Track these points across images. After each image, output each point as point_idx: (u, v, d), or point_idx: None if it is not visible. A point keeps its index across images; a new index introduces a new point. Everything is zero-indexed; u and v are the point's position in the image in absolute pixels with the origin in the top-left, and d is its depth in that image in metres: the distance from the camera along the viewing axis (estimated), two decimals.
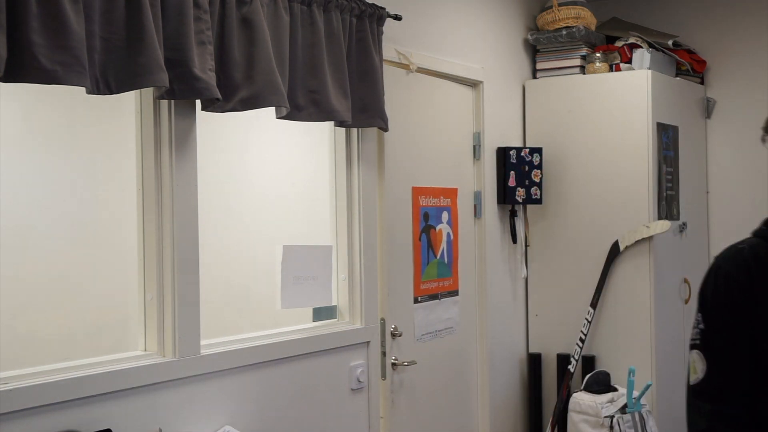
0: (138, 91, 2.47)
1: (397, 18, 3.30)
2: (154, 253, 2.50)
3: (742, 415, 1.65)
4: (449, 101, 3.91)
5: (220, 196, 3.53)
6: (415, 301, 3.63)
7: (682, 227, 4.49)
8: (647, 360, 4.15)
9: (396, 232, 3.51)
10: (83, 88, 2.10)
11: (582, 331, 4.20)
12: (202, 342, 2.60)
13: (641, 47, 4.32)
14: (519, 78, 4.44)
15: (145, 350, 2.52)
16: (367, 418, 3.28)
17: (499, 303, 4.22)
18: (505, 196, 4.21)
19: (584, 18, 4.40)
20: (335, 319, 3.25)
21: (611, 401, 3.97)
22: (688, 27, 4.83)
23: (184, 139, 2.53)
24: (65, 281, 3.15)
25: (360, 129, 3.22)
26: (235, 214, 3.68)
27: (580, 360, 4.21)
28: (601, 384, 4.10)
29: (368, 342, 3.28)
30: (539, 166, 4.29)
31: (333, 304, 3.23)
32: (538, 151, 4.30)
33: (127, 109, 2.61)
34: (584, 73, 4.38)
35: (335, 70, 2.94)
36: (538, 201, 4.30)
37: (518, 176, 4.23)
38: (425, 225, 3.69)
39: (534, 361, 4.42)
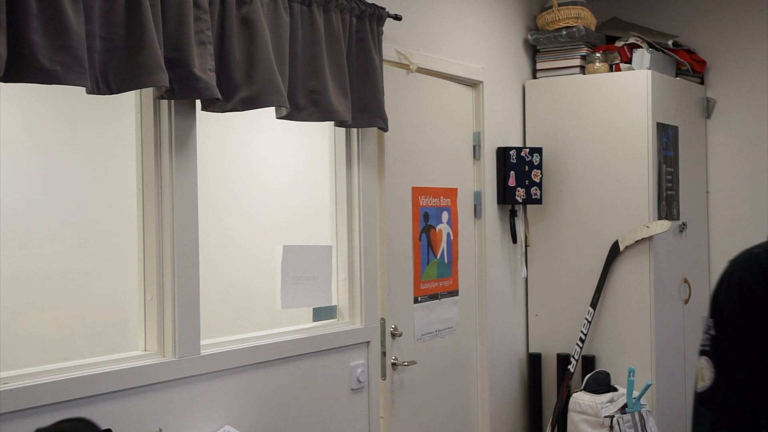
0: (138, 91, 2.47)
1: (397, 18, 3.31)
2: (154, 253, 2.50)
3: (747, 426, 1.60)
4: (449, 101, 3.91)
5: (220, 196, 3.53)
6: (415, 301, 3.63)
7: (682, 227, 4.50)
8: (647, 360, 4.15)
9: (396, 232, 3.51)
10: (83, 88, 2.10)
11: (582, 331, 4.20)
12: (202, 342, 2.60)
13: (641, 47, 4.32)
14: (519, 78, 4.44)
15: (145, 350, 2.52)
16: (367, 418, 3.28)
17: (499, 303, 4.22)
18: (505, 196, 4.21)
19: (584, 18, 4.40)
20: (335, 319, 3.25)
21: (611, 401, 3.97)
22: (688, 27, 4.83)
23: (184, 139, 2.53)
24: (65, 281, 3.14)
25: (360, 129, 3.22)
26: (235, 214, 3.68)
27: (580, 360, 4.21)
28: (601, 384, 4.10)
29: (368, 342, 3.28)
30: (539, 166, 4.29)
31: (333, 304, 3.23)
32: (538, 151, 4.30)
33: (127, 109, 2.61)
34: (584, 73, 4.38)
35: (335, 70, 2.94)
36: (538, 201, 4.30)
37: (518, 176, 4.23)
38: (425, 225, 3.69)
39: (534, 361, 4.42)
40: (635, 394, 3.94)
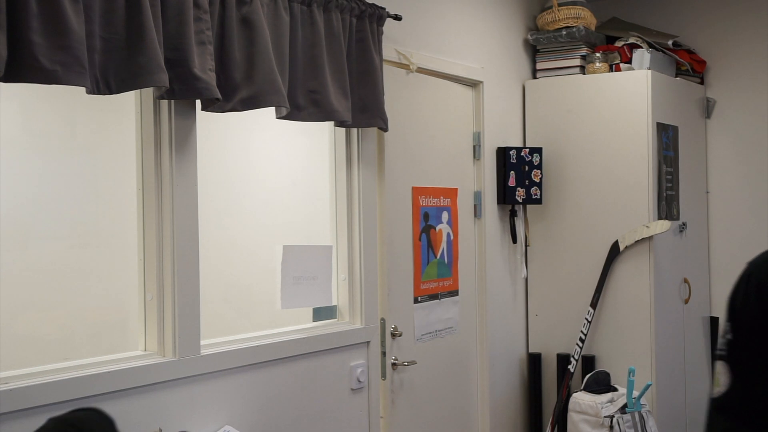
0: (138, 91, 2.47)
1: (397, 18, 3.30)
2: (154, 253, 2.50)
3: None
4: (449, 101, 3.91)
5: (220, 196, 3.53)
6: (415, 301, 3.63)
7: (682, 227, 4.49)
8: (647, 360, 4.15)
9: (396, 232, 3.51)
10: (83, 88, 2.10)
11: (582, 331, 4.20)
12: (202, 342, 2.60)
13: (641, 47, 4.32)
14: (519, 78, 4.44)
15: (145, 350, 2.52)
16: (367, 418, 3.28)
17: (499, 303, 4.22)
18: (505, 196, 4.21)
19: (584, 18, 4.40)
20: (335, 319, 3.25)
21: (611, 401, 3.97)
22: (688, 27, 4.83)
23: (184, 139, 2.53)
24: (65, 281, 3.14)
25: (360, 129, 3.22)
26: (235, 214, 3.68)
27: (580, 360, 4.21)
28: (601, 384, 4.10)
29: (368, 342, 3.28)
30: (539, 166, 4.29)
31: (333, 304, 3.23)
32: (538, 151, 4.30)
33: (127, 109, 2.61)
34: (584, 73, 4.38)
35: (335, 70, 2.94)
36: (538, 201, 4.30)
37: (518, 176, 4.23)
38: (425, 225, 3.69)
39: (534, 361, 4.42)
40: (635, 394, 3.94)
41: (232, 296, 3.58)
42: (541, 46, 4.49)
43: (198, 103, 2.56)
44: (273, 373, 2.85)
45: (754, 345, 1.53)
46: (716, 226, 4.83)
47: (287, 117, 2.78)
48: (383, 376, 3.39)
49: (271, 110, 2.78)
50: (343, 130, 3.22)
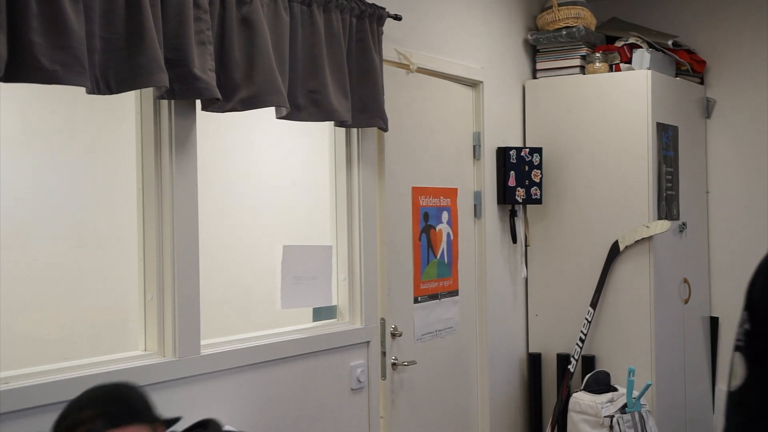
0: (138, 91, 2.47)
1: (397, 18, 3.30)
2: (154, 253, 2.50)
3: None
4: (449, 101, 3.91)
5: (220, 196, 3.53)
6: (415, 301, 3.63)
7: (682, 227, 4.50)
8: (647, 360, 4.15)
9: (396, 232, 3.51)
10: (83, 88, 2.10)
11: (582, 331, 4.20)
12: (202, 342, 2.60)
13: (641, 47, 4.32)
14: (519, 78, 4.44)
15: (145, 350, 2.52)
16: (367, 418, 3.28)
17: (499, 303, 4.22)
18: (505, 196, 4.21)
19: (584, 18, 4.40)
20: (335, 319, 3.25)
21: (611, 401, 3.97)
22: (688, 27, 4.83)
23: (184, 139, 2.53)
24: (65, 281, 3.15)
25: (360, 129, 3.22)
26: (235, 214, 3.68)
27: (580, 360, 4.21)
28: (601, 384, 4.10)
29: (368, 342, 3.28)
30: (539, 166, 4.29)
31: (333, 304, 3.23)
32: (538, 151, 4.30)
33: (127, 109, 2.61)
34: (584, 73, 4.38)
35: (335, 70, 2.94)
36: (538, 201, 4.30)
37: (518, 176, 4.23)
38: (425, 225, 3.69)
39: (534, 361, 4.42)
40: (635, 394, 3.94)
41: (232, 296, 3.58)
42: (541, 46, 4.49)
43: (198, 103, 2.56)
44: (273, 373, 2.85)
45: None
46: (716, 226, 4.83)
47: (287, 117, 2.78)
48: (383, 376, 3.39)
49: (271, 110, 2.78)
50: (343, 130, 3.22)
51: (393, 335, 3.48)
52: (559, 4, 4.39)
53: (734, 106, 4.77)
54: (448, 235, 3.85)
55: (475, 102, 4.07)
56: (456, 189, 3.92)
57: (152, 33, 2.23)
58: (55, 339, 3.08)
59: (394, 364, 3.49)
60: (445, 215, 3.83)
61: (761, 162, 4.69)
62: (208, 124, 2.97)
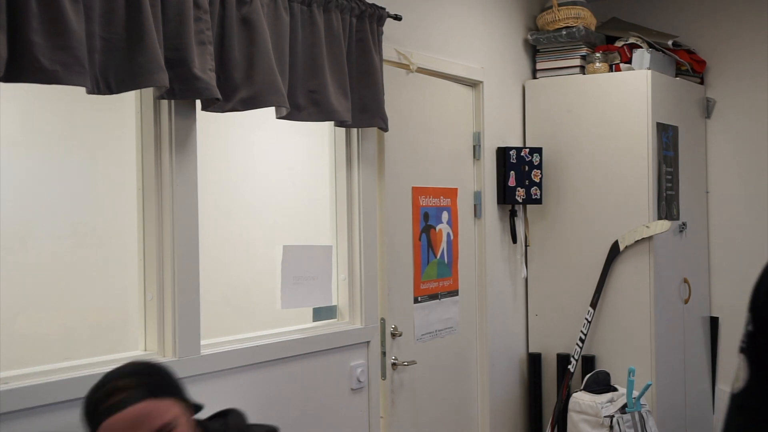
0: (138, 91, 2.47)
1: (397, 18, 3.30)
2: (154, 253, 2.50)
3: None
4: (449, 101, 3.91)
5: (220, 196, 3.53)
6: (415, 301, 3.63)
7: (682, 227, 4.50)
8: (647, 360, 4.15)
9: (396, 232, 3.51)
10: (83, 88, 2.10)
11: (582, 331, 4.20)
12: (202, 342, 2.60)
13: (641, 47, 4.32)
14: (519, 78, 4.44)
15: (145, 350, 2.52)
16: (367, 418, 3.28)
17: (499, 303, 4.22)
18: (505, 196, 4.21)
19: (584, 18, 4.40)
20: (335, 319, 3.25)
21: (611, 401, 3.97)
22: (688, 27, 4.83)
23: (184, 139, 2.53)
24: (65, 281, 3.14)
25: (360, 129, 3.22)
26: (235, 214, 3.68)
27: (580, 360, 4.21)
28: (601, 384, 4.10)
29: (368, 342, 3.28)
30: (539, 166, 4.29)
31: (333, 304, 3.23)
32: (538, 151, 4.30)
33: (127, 109, 2.61)
34: (584, 73, 4.38)
35: (335, 70, 2.94)
36: (538, 201, 4.30)
37: (518, 176, 4.23)
38: (425, 225, 3.69)
39: (534, 361, 4.42)
40: (635, 394, 3.94)
41: (232, 296, 3.58)
42: (541, 46, 4.49)
43: (198, 103, 2.56)
44: (273, 373, 2.85)
45: None
46: (716, 226, 4.83)
47: (287, 117, 2.78)
48: (383, 376, 3.39)
49: (271, 110, 2.78)
50: (343, 130, 3.22)
51: (393, 335, 3.48)
52: (559, 4, 4.39)
53: (734, 106, 4.77)
54: (448, 235, 3.85)
55: (475, 102, 4.07)
56: (456, 189, 3.92)
57: (152, 33, 2.23)
58: (56, 339, 3.07)
59: (394, 364, 3.49)
60: (445, 215, 3.83)
61: (761, 162, 4.69)
62: (208, 124, 2.97)
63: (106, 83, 2.18)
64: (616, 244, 4.21)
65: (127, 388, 1.90)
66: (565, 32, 4.37)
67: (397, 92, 3.48)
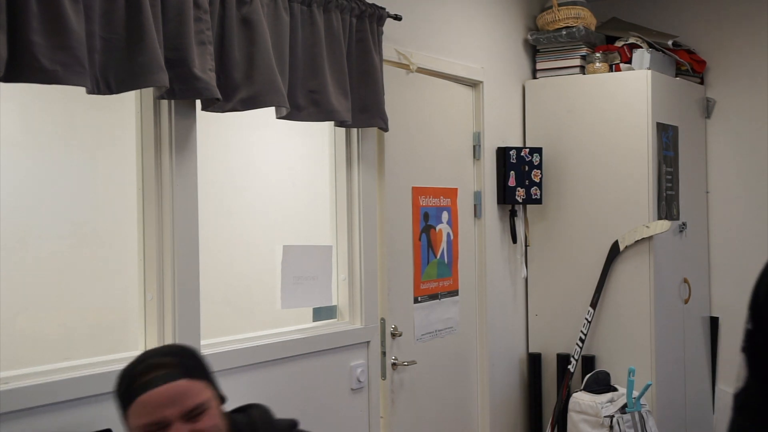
0: (138, 91, 2.47)
1: (397, 18, 3.30)
2: (154, 253, 2.50)
3: None
4: (449, 101, 3.91)
5: (220, 196, 3.53)
6: (415, 301, 3.63)
7: (682, 227, 4.50)
8: (647, 360, 4.15)
9: (396, 232, 3.51)
10: (83, 88, 2.10)
11: (582, 331, 4.20)
12: (202, 342, 2.60)
13: (641, 47, 4.32)
14: (519, 78, 4.44)
15: (145, 350, 2.52)
16: (367, 418, 3.28)
17: (499, 303, 4.22)
18: (505, 196, 4.21)
19: (584, 18, 4.40)
20: (335, 319, 3.25)
21: (611, 401, 3.97)
22: (688, 27, 4.83)
23: (184, 139, 2.53)
24: (65, 281, 3.14)
25: (360, 129, 3.22)
26: (235, 214, 3.68)
27: (580, 360, 4.21)
28: (601, 384, 4.10)
29: (368, 342, 3.28)
30: (539, 166, 4.29)
31: (333, 304, 3.23)
32: (538, 151, 4.30)
33: (127, 109, 2.61)
34: (584, 74, 4.38)
35: (335, 70, 2.94)
36: (538, 201, 4.30)
37: (518, 176, 4.23)
38: (425, 225, 3.69)
39: (534, 361, 4.42)
40: (635, 394, 3.94)
41: (232, 296, 3.58)
42: (541, 46, 4.49)
43: (198, 103, 2.56)
44: (273, 373, 2.85)
45: None
46: (716, 226, 4.83)
47: (287, 117, 2.78)
48: (383, 376, 3.39)
49: (271, 110, 2.78)
50: (343, 130, 3.22)
51: (393, 335, 3.48)
52: (559, 4, 4.39)
53: (734, 106, 4.77)
54: (448, 235, 3.85)
55: (475, 102, 4.07)
56: (456, 189, 3.92)
57: (152, 33, 2.23)
58: (56, 339, 3.07)
59: (394, 364, 3.49)
60: (445, 215, 3.83)
61: (761, 162, 4.69)
62: (208, 124, 2.97)
63: (106, 83, 2.18)
64: (616, 244, 4.21)
65: (166, 366, 1.94)
66: (565, 32, 4.37)
67: (397, 92, 3.48)
